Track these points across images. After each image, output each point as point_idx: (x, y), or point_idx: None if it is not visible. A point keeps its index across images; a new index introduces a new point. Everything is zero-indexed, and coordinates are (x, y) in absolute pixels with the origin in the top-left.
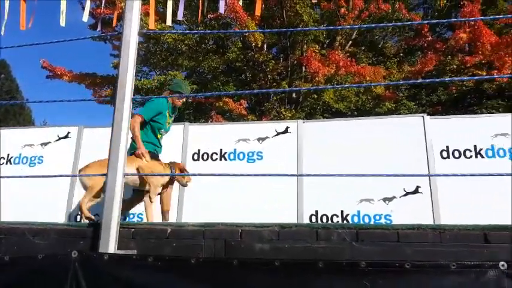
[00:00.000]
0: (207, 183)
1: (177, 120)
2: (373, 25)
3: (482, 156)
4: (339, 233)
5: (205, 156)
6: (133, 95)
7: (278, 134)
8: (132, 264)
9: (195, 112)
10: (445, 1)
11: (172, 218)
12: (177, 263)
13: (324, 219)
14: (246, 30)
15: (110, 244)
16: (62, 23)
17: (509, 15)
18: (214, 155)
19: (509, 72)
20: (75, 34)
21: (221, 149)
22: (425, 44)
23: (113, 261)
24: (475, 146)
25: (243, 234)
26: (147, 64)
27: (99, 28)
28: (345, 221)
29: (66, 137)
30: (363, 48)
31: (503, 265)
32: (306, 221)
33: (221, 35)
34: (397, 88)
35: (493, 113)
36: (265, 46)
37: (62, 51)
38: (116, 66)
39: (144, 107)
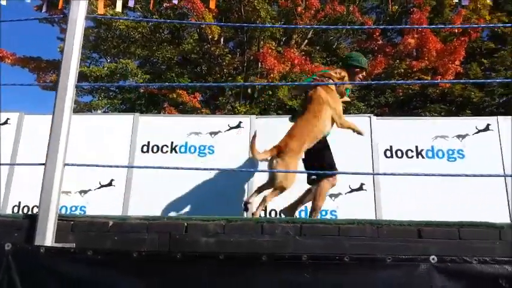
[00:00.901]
0: (157, 176)
1: (128, 110)
2: (331, 26)
3: (422, 157)
4: (283, 227)
5: (155, 149)
6: (80, 82)
7: (231, 128)
8: (70, 258)
9: (147, 103)
10: (396, 7)
11: (117, 211)
12: (118, 256)
13: (273, 214)
14: (202, 22)
15: (47, 237)
16: (3, 1)
17: (455, 25)
18: (164, 147)
19: (452, 78)
20: (20, 15)
21: (172, 142)
22: (376, 48)
23: (49, 254)
24: (416, 147)
25: (188, 228)
26: (98, 50)
27: (44, 9)
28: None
29: (5, 123)
30: (318, 48)
31: (433, 259)
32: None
33: (177, 25)
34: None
35: (435, 116)
36: (222, 40)
37: (5, 32)
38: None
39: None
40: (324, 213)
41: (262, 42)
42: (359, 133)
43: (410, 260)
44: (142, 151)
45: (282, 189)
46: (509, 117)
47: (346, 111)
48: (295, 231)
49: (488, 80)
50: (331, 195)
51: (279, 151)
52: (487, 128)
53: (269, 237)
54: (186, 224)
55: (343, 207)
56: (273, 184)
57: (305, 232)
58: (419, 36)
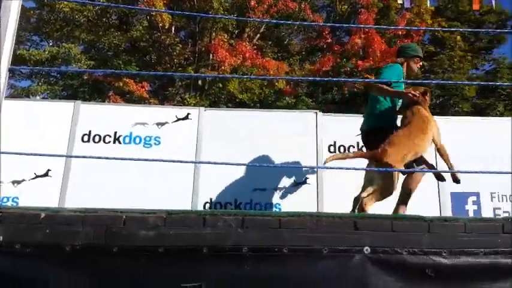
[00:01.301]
0: (97, 167)
1: (70, 97)
2: (281, 21)
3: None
4: (225, 220)
5: (96, 138)
6: (18, 65)
7: (178, 119)
8: None
9: (91, 90)
10: (345, 7)
11: (53, 203)
12: (50, 250)
13: (218, 208)
14: (153, 9)
15: None
16: None
17: (401, 27)
18: (107, 137)
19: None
20: None
21: (116, 132)
22: (325, 46)
23: None
24: (357, 143)
25: (126, 220)
26: (39, 33)
27: None
28: (237, 209)
29: None
30: (270, 42)
31: (367, 249)
32: (201, 209)
33: (126, 10)
34: (298, 84)
35: None
36: (173, 28)
37: None
38: None
39: (386, 72)
40: (268, 206)
41: (214, 34)
42: (451, 167)
43: (345, 251)
44: (82, 140)
45: (387, 195)
46: (444, 117)
47: (295, 106)
48: (237, 223)
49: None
50: (275, 189)
51: (377, 158)
52: None
53: (211, 230)
54: (124, 216)
55: (287, 200)
56: (382, 188)
57: (247, 225)
58: (366, 37)
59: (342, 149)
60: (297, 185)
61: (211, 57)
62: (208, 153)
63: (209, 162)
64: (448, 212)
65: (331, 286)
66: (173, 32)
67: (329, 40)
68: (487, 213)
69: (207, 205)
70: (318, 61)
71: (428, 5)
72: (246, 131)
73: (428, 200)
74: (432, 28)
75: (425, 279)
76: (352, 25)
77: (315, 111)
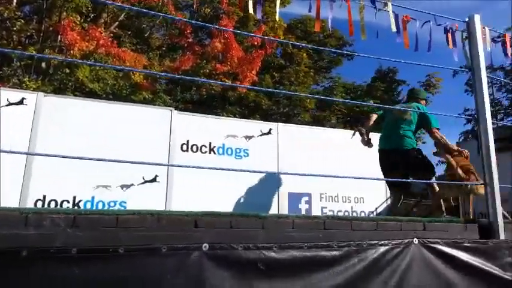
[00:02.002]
0: None
1: None
2: (151, 12)
3: (214, 153)
4: (53, 219)
5: None
6: None
7: (11, 104)
8: None
9: None
10: (208, 10)
11: None
12: None
13: (52, 205)
14: None
15: None
16: None
17: (261, 36)
18: None
19: (248, 85)
20: None
21: None
22: (186, 45)
23: None
24: (210, 143)
25: None
26: None
27: None
28: (75, 207)
29: None
30: (129, 33)
31: (205, 246)
32: (31, 206)
33: None
34: (156, 80)
35: (231, 117)
36: (14, 1)
37: None
38: None
39: (433, 118)
40: (112, 204)
41: (65, 14)
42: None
43: (184, 248)
44: None
45: None
46: (289, 124)
47: (152, 102)
48: (66, 222)
49: (277, 91)
50: (122, 186)
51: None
52: (269, 132)
53: (34, 230)
54: None
55: (135, 198)
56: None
57: (78, 224)
58: (225, 42)
59: (194, 148)
60: (145, 182)
61: (59, 38)
62: (44, 145)
63: (42, 154)
64: (285, 210)
65: (168, 285)
66: (15, 4)
67: (190, 39)
68: (316, 211)
69: (39, 202)
70: (178, 59)
71: (277, 18)
72: (93, 124)
73: (268, 199)
74: (285, 41)
75: (258, 273)
76: (216, 26)
77: (170, 108)
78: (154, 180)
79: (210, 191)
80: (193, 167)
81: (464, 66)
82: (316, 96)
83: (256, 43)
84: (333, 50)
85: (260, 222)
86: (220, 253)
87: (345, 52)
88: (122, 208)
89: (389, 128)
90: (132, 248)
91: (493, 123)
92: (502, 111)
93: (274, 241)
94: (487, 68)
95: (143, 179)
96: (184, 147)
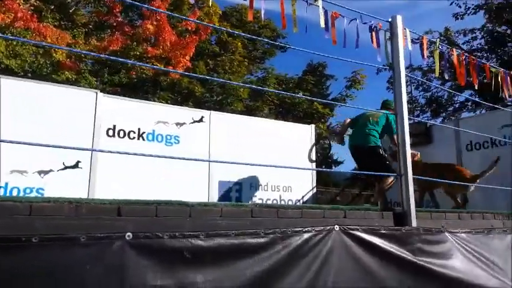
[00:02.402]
0: None
1: None
2: None
3: (143, 139)
4: None
5: None
6: None
7: None
8: None
9: None
10: None
11: None
12: None
13: None
14: None
15: None
16: None
17: (196, 21)
18: None
19: (181, 70)
20: None
21: None
22: (115, 24)
23: None
24: (139, 129)
25: None
26: None
27: None
28: None
29: None
30: (52, 7)
31: (128, 236)
32: None
33: None
34: (81, 59)
35: (163, 103)
36: None
37: None
38: None
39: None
40: (28, 190)
41: None
42: None
43: (105, 238)
44: None
45: None
46: (221, 113)
47: (76, 82)
48: None
49: (211, 78)
50: (40, 172)
51: None
52: (201, 120)
53: None
54: None
55: (54, 185)
56: None
57: None
58: (158, 24)
59: (121, 133)
60: (66, 168)
61: None
62: None
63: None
64: (215, 199)
65: (87, 275)
66: None
67: (120, 19)
68: (246, 199)
69: None
70: (106, 39)
71: (210, 4)
72: (10, 103)
73: (198, 187)
74: (219, 27)
75: (183, 261)
76: (148, 7)
77: (95, 90)
78: (76, 166)
79: (137, 179)
80: (117, 153)
81: (386, 65)
82: (248, 86)
83: (190, 28)
84: (265, 40)
85: (187, 211)
86: (145, 242)
87: (278, 43)
88: (39, 195)
89: (359, 128)
90: (48, 237)
91: (409, 119)
92: (419, 109)
93: (202, 229)
94: (407, 67)
95: (64, 164)
96: (111, 132)
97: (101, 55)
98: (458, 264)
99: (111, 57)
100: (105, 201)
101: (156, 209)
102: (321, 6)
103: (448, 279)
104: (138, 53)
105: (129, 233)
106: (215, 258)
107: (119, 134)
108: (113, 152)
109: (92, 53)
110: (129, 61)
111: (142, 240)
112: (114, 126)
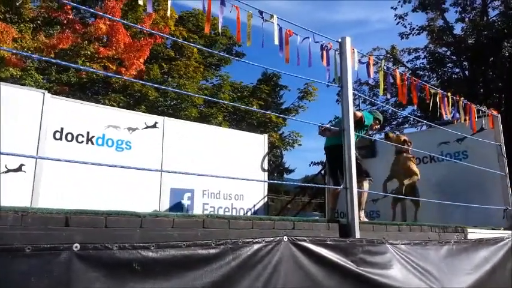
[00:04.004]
0: None
1: None
2: None
3: (92, 143)
4: None
5: None
6: None
7: None
8: None
9: None
10: None
11: None
12: None
13: None
14: None
15: None
16: None
17: (150, 30)
18: None
19: (135, 73)
20: None
21: None
22: (66, 21)
23: None
24: (88, 133)
25: None
26: None
27: None
28: None
29: None
30: None
31: (76, 247)
32: None
33: None
34: (27, 56)
35: (115, 105)
36: None
37: None
38: None
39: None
40: None
41: None
42: None
43: (52, 248)
44: None
45: None
46: (175, 119)
47: (22, 80)
48: None
49: (166, 87)
50: None
51: None
52: (154, 125)
53: None
54: None
55: None
56: None
57: None
58: (111, 25)
59: (69, 136)
60: (9, 171)
61: None
62: None
63: None
64: (166, 206)
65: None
66: None
67: (71, 16)
68: (198, 207)
69: None
70: (56, 36)
71: (169, 10)
72: None
73: (150, 194)
74: (175, 39)
75: (132, 273)
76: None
77: (43, 91)
78: (19, 169)
79: (85, 185)
80: (64, 161)
81: (334, 80)
82: (203, 96)
83: (145, 31)
84: (220, 53)
85: (138, 221)
86: (93, 254)
87: (230, 57)
88: None
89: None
90: None
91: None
92: None
93: (153, 240)
94: (355, 82)
95: (6, 168)
96: (58, 135)
97: (43, 57)
98: (397, 274)
99: (58, 61)
100: (52, 211)
101: (106, 220)
102: (275, 23)
103: None
104: (89, 53)
105: (76, 244)
106: (165, 269)
107: (66, 137)
108: (56, 160)
109: (34, 55)
110: (75, 65)
111: (90, 251)
112: (62, 128)
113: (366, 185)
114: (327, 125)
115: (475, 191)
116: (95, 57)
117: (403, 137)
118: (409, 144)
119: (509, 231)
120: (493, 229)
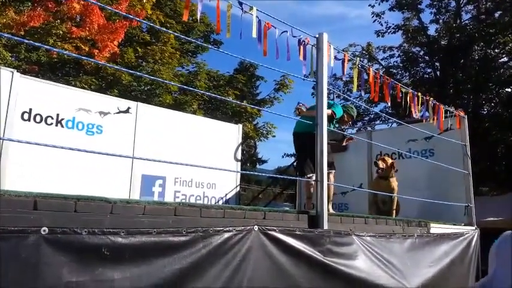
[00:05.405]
0: None
1: None
2: None
3: (62, 126)
4: None
5: None
6: None
7: None
8: None
9: None
10: None
11: None
12: None
13: None
14: None
15: None
16: None
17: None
18: None
19: (108, 56)
20: None
21: None
22: None
23: None
24: (57, 115)
25: None
26: None
27: None
28: None
29: None
30: None
31: (44, 230)
32: None
33: None
34: None
35: (86, 88)
36: None
37: None
38: None
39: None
40: None
41: None
42: None
43: (19, 231)
44: None
45: None
46: (149, 105)
47: None
48: None
49: (138, 73)
50: None
51: None
52: (127, 110)
53: None
54: None
55: None
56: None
57: None
58: (85, 4)
59: (38, 118)
60: None
61: None
62: None
63: None
64: (137, 193)
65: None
66: None
67: None
68: (169, 195)
69: None
70: (26, 13)
71: None
72: None
73: (120, 180)
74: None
75: (101, 258)
76: None
77: (12, 70)
78: None
79: (54, 168)
80: (33, 144)
81: (309, 74)
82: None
83: (120, 12)
84: (198, 42)
85: (108, 207)
86: (62, 238)
87: (207, 46)
88: None
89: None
90: None
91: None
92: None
93: (123, 227)
94: (331, 76)
95: None
96: (26, 115)
97: (15, 37)
98: (362, 265)
99: (31, 42)
100: (20, 193)
101: (76, 204)
102: (254, 16)
103: (353, 279)
104: (61, 32)
105: (45, 228)
106: (135, 255)
107: (35, 118)
108: (25, 142)
109: (5, 34)
110: (47, 46)
111: (59, 235)
112: (30, 109)
113: (331, 177)
114: (306, 105)
115: (439, 188)
116: (67, 37)
117: (390, 160)
118: (394, 167)
119: (469, 227)
120: (454, 225)
